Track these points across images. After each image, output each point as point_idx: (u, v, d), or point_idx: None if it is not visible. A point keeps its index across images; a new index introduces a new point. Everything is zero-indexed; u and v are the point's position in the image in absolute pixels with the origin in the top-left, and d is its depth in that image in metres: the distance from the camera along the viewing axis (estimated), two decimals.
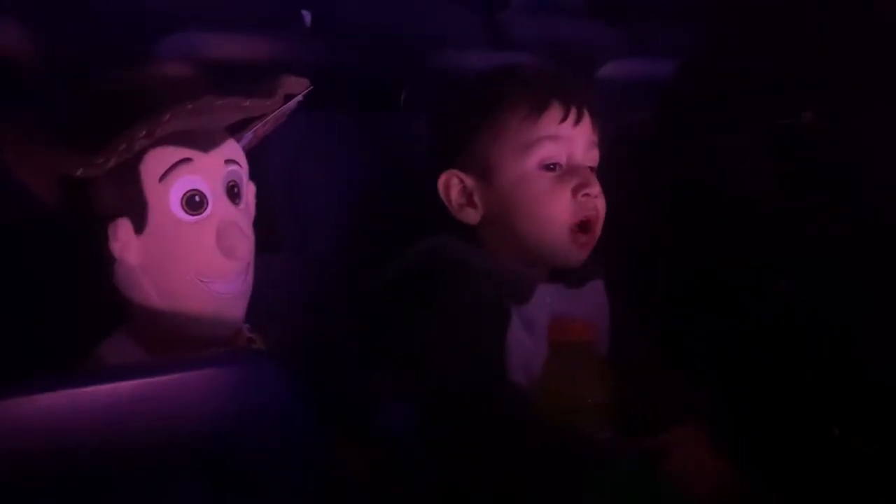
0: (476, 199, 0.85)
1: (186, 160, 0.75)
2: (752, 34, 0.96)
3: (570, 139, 0.84)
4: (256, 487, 0.63)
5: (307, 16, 1.85)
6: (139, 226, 0.76)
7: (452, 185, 0.85)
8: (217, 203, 0.77)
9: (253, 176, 0.85)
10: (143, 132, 0.71)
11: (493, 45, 1.88)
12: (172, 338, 0.79)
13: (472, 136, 0.84)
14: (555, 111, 0.84)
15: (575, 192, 0.83)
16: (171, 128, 0.73)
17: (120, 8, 1.44)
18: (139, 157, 0.74)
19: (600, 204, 0.84)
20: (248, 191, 0.84)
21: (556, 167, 0.84)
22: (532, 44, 1.88)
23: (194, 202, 0.76)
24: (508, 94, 0.85)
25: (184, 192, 0.76)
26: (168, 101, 0.72)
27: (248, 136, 0.83)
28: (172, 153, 0.75)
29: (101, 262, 0.77)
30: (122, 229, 0.75)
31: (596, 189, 0.84)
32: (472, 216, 0.86)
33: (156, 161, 0.75)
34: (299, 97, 0.81)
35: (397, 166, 1.27)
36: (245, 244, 0.78)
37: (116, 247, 0.76)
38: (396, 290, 0.86)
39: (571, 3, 2.23)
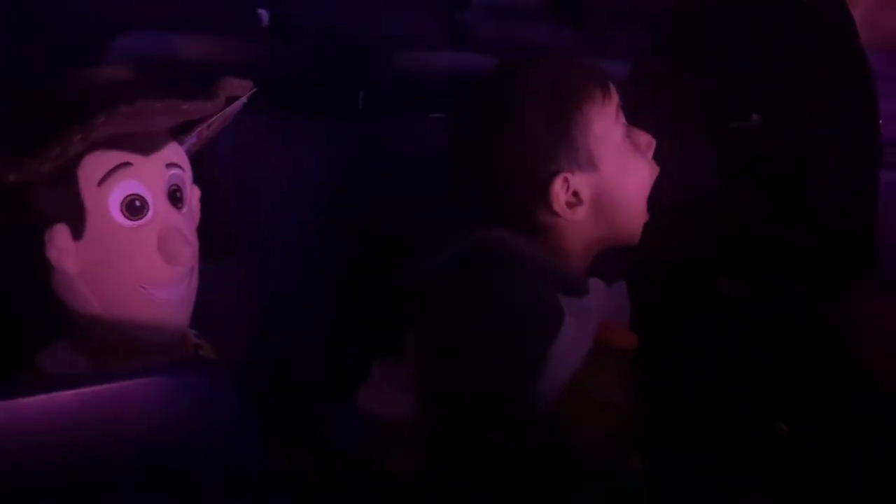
0: (583, 194, 0.85)
1: (126, 164, 0.73)
2: (700, 38, 0.96)
3: (619, 114, 0.88)
4: (205, 497, 0.62)
5: (265, 15, 1.82)
6: (77, 232, 0.73)
7: (561, 188, 0.85)
8: (158, 208, 0.75)
9: (206, 179, 0.83)
10: (78, 136, 0.69)
11: (454, 46, 1.87)
12: (115, 346, 0.77)
13: (565, 135, 0.85)
14: (611, 87, 0.87)
15: (646, 149, 0.87)
16: (106, 131, 0.71)
17: (64, 8, 1.41)
18: (76, 161, 0.72)
19: None
20: (193, 195, 0.82)
21: (629, 133, 0.87)
22: (492, 45, 1.87)
23: (134, 207, 0.74)
24: (580, 85, 0.86)
25: (123, 196, 0.74)
26: (104, 104, 0.70)
27: (192, 139, 0.81)
28: (111, 157, 0.73)
29: (39, 270, 0.75)
30: (60, 235, 0.73)
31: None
32: (580, 213, 0.86)
33: (93, 165, 0.73)
34: (243, 99, 0.79)
35: (357, 169, 1.26)
36: (188, 250, 0.76)
37: (54, 254, 0.73)
38: (444, 281, 0.84)
39: (531, 5, 2.23)
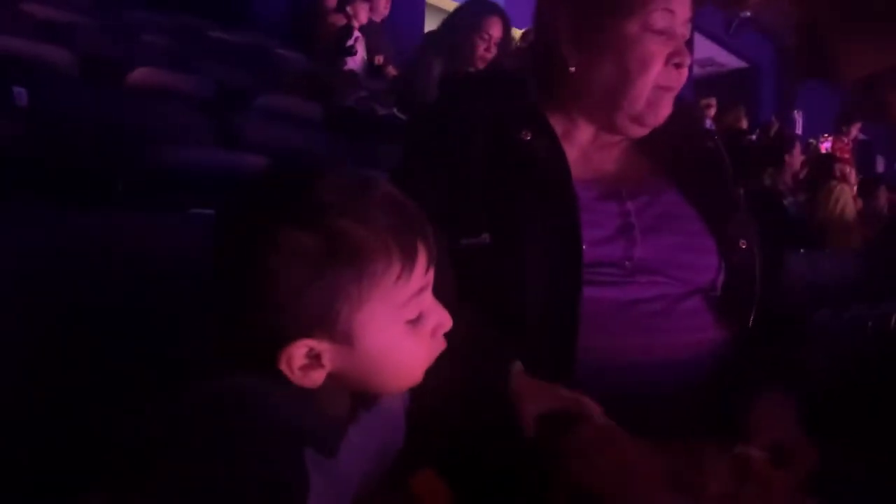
0: (325, 359, 0.75)
1: None
2: (434, 159, 1.04)
3: (428, 284, 0.77)
4: None
5: (23, 94, 1.71)
6: None
7: (298, 354, 0.73)
8: None
9: None
10: None
11: (223, 145, 1.88)
12: None
13: (333, 306, 0.72)
14: (422, 260, 0.74)
15: (434, 333, 0.78)
16: None
17: None
18: None
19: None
20: None
21: (418, 318, 0.77)
22: (265, 147, 1.90)
23: None
24: (381, 254, 0.72)
25: None
26: None
27: None
28: None
29: None
30: None
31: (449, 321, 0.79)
32: (316, 378, 0.75)
33: None
34: None
35: (101, 262, 1.19)
36: None
37: None
38: (179, 427, 0.73)
39: (309, 114, 2.30)
